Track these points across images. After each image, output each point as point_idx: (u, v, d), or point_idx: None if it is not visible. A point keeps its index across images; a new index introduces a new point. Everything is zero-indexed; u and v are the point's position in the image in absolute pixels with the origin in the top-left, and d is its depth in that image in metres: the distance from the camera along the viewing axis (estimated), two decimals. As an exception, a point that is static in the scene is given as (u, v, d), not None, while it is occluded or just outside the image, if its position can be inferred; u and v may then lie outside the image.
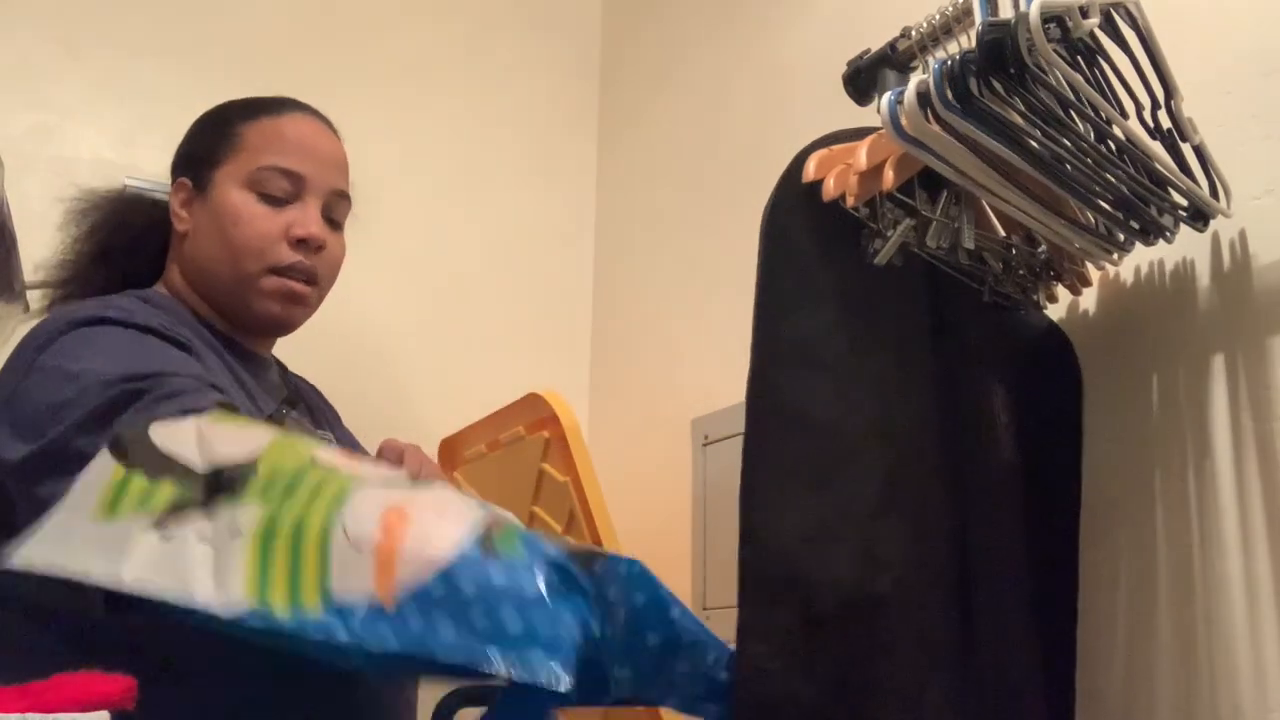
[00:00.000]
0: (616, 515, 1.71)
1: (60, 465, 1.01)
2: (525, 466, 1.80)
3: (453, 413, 1.84)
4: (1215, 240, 1.20)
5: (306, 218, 1.34)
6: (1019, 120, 1.00)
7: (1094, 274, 1.29)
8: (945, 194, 1.13)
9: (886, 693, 1.03)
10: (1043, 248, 1.24)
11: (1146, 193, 1.10)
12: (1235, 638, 1.12)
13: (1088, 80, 1.04)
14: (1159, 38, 1.08)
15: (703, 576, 1.93)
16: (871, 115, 1.16)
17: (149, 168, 1.53)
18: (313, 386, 1.58)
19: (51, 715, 0.67)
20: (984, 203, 1.18)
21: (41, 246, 1.46)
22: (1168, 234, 1.15)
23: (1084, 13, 0.99)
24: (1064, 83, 1.01)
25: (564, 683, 0.77)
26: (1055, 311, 1.32)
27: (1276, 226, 1.15)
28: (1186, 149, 1.12)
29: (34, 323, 1.26)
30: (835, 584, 1.04)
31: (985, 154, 1.02)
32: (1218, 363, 1.18)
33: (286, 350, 1.52)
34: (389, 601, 0.79)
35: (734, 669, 0.97)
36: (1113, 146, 1.07)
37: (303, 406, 1.44)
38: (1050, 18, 0.97)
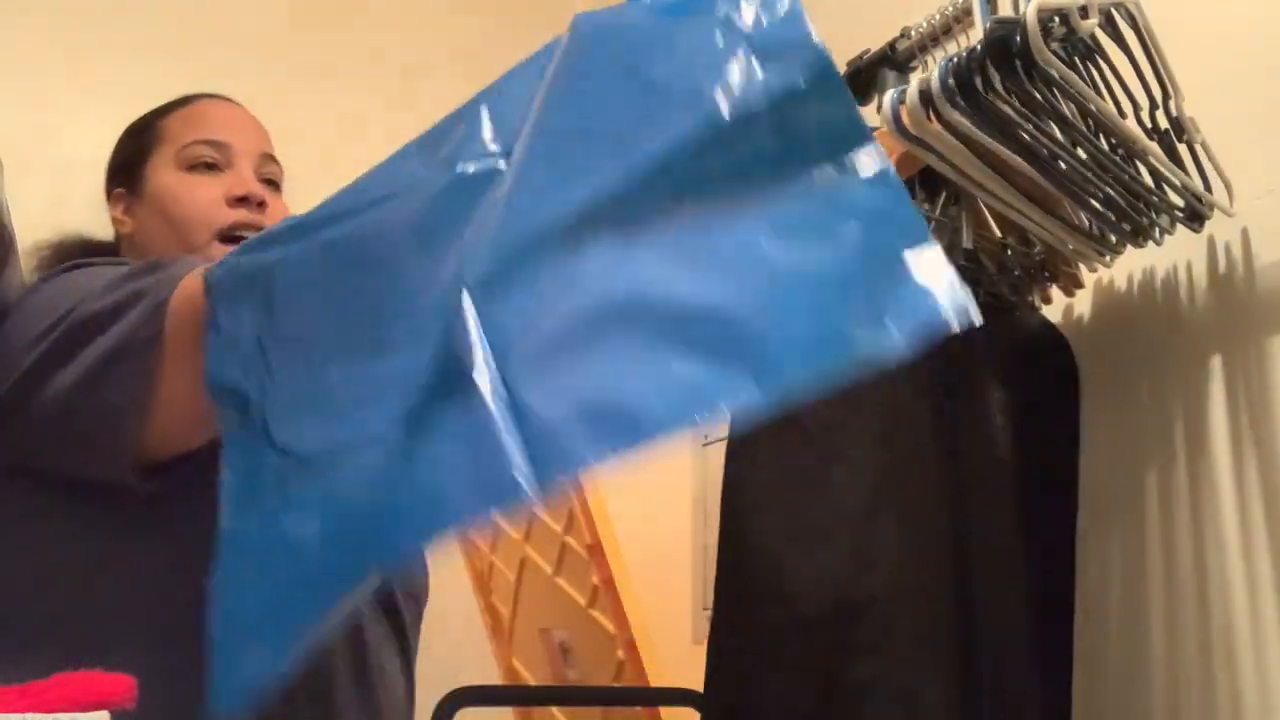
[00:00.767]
0: (616, 515, 1.71)
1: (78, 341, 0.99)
2: (525, 466, 1.80)
3: (452, 413, 1.84)
4: (1215, 241, 1.20)
5: (241, 178, 1.35)
6: (1022, 119, 1.00)
7: (1088, 276, 1.29)
8: (944, 194, 1.13)
9: (880, 693, 1.03)
10: (1038, 249, 1.24)
11: (1145, 192, 1.10)
12: (1235, 637, 1.12)
13: (1087, 80, 1.04)
14: (1159, 38, 1.08)
15: (703, 576, 1.93)
16: (871, 115, 1.16)
17: (149, 168, 1.53)
18: None
19: (51, 715, 0.67)
20: (980, 204, 1.18)
21: (41, 247, 1.46)
22: (1157, 236, 1.15)
23: (1084, 13, 0.99)
24: (1069, 80, 1.01)
25: None
26: (1055, 312, 1.32)
27: (1276, 226, 1.15)
28: (1183, 149, 1.12)
29: None
30: (821, 583, 1.04)
31: (984, 153, 1.02)
32: (1217, 363, 1.18)
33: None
34: None
35: (707, 666, 0.97)
36: (1113, 146, 1.07)
37: None
38: (1053, 16, 0.97)
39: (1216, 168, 1.14)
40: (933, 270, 0.61)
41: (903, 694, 1.05)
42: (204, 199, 1.33)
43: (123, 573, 1.04)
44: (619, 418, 0.60)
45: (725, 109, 0.66)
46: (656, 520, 2.05)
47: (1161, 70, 1.09)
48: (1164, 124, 1.10)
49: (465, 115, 0.83)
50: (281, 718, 1.12)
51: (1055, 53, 1.00)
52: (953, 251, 1.14)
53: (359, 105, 2.21)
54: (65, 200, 1.48)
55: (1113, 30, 1.06)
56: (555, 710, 1.88)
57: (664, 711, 1.67)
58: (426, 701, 1.34)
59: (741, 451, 1.13)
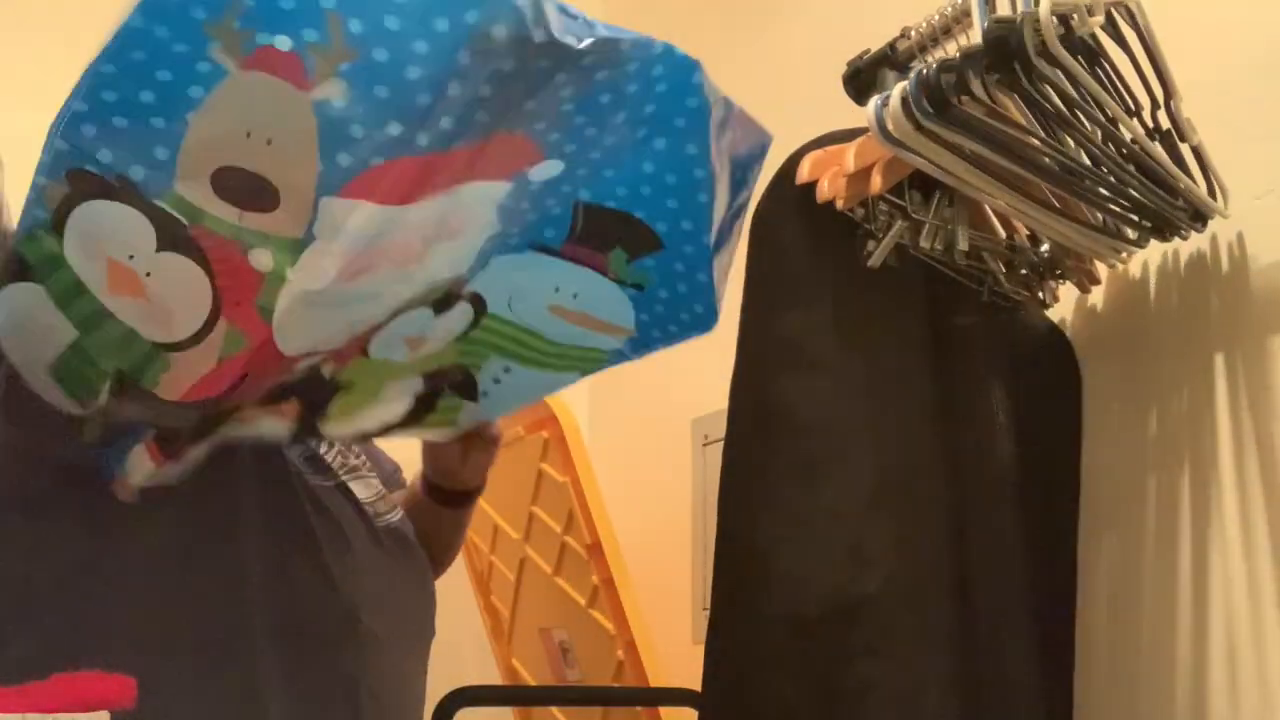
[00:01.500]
0: (616, 515, 1.71)
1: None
2: (524, 466, 1.80)
3: (452, 413, 1.83)
4: (1215, 240, 1.19)
5: None
6: (1007, 127, 1.00)
7: (1103, 272, 1.29)
8: (938, 196, 1.13)
9: (879, 694, 1.03)
10: (1045, 246, 1.24)
11: (1148, 192, 1.10)
12: (1235, 637, 1.12)
13: (1094, 79, 1.04)
14: (1159, 38, 1.08)
15: (703, 576, 1.92)
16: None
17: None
18: None
19: (51, 715, 0.67)
20: (984, 205, 1.18)
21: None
22: (1183, 231, 1.14)
23: (1088, 11, 0.99)
24: (1070, 80, 1.01)
25: None
26: (1054, 312, 1.32)
27: (1277, 226, 1.15)
28: (1185, 149, 1.12)
29: None
30: (819, 583, 1.04)
31: (970, 158, 1.02)
32: (1218, 362, 1.17)
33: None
34: None
35: (705, 667, 0.97)
36: (1114, 146, 1.07)
37: None
38: (1056, 15, 0.97)
39: (1211, 170, 1.14)
40: None
41: (901, 694, 1.05)
42: None
43: (98, 575, 1.03)
44: None
45: None
46: (656, 520, 2.05)
47: (1163, 70, 1.09)
48: (1165, 124, 1.10)
49: None
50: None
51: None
52: (949, 252, 1.14)
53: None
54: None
55: (1113, 30, 1.06)
56: (555, 710, 1.88)
57: (664, 711, 1.67)
58: (427, 701, 1.34)
59: (739, 450, 1.13)
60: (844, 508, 1.07)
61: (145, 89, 0.89)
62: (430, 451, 1.30)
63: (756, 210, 1.16)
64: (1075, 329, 1.32)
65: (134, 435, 1.02)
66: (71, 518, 1.04)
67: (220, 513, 1.10)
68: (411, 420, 1.16)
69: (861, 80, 1.20)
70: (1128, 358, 1.27)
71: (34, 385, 0.98)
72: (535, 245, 1.05)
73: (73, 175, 0.94)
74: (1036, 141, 1.02)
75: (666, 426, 2.08)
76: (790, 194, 1.13)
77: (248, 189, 0.92)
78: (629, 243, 1.05)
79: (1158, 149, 1.09)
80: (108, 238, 0.94)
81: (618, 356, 1.14)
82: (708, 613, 1.61)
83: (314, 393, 1.09)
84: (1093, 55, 1.05)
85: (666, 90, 0.95)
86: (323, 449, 1.22)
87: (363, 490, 1.23)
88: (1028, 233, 1.23)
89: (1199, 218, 1.15)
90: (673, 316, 1.09)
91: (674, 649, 1.75)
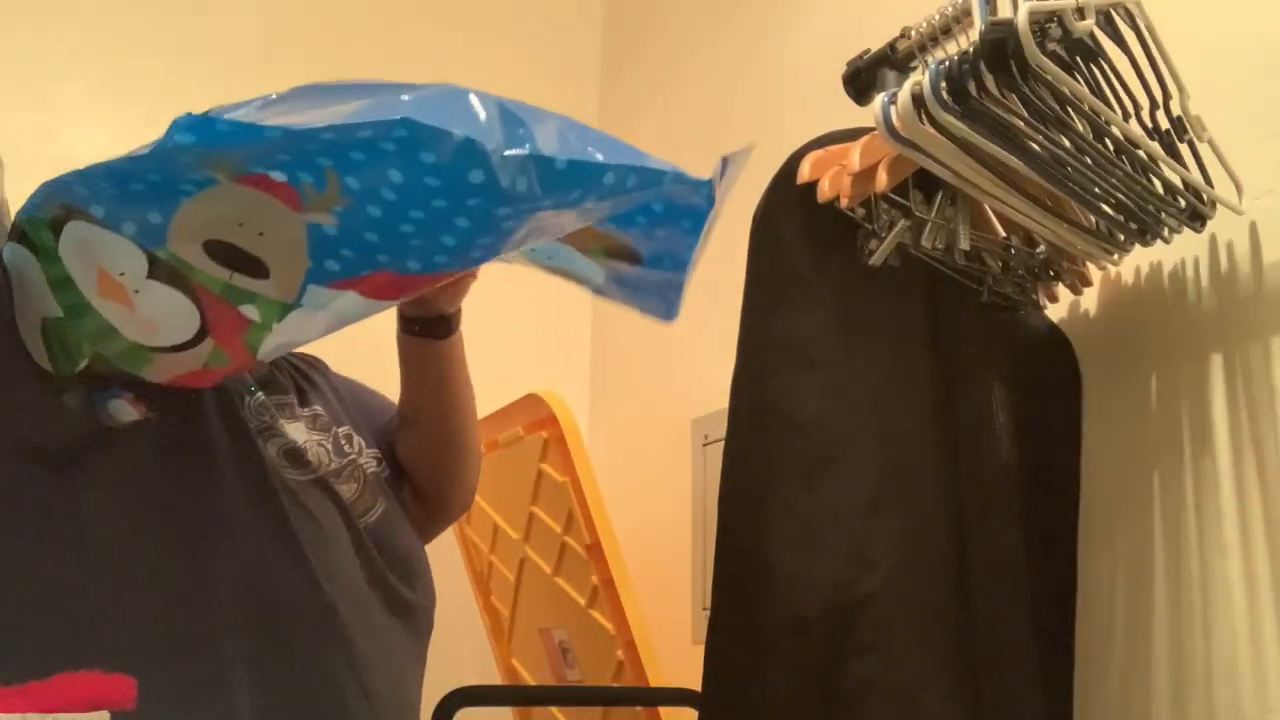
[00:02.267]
0: (616, 515, 1.71)
1: None
2: (524, 467, 1.80)
3: (452, 413, 1.83)
4: (1216, 240, 1.20)
5: None
6: (1018, 121, 1.00)
7: (1095, 274, 1.29)
8: (941, 195, 1.13)
9: (878, 694, 1.03)
10: (1041, 248, 1.24)
11: (1145, 193, 1.10)
12: (1235, 637, 1.12)
13: (1085, 82, 1.04)
14: (1161, 38, 1.08)
15: (703, 576, 1.92)
16: (871, 116, 1.16)
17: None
18: (301, 357, 1.51)
19: (51, 715, 0.68)
20: (984, 204, 1.18)
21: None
22: (1165, 234, 1.15)
23: (1080, 14, 0.99)
24: (1064, 82, 1.01)
25: None
26: (1055, 311, 1.32)
27: (1277, 226, 1.15)
28: (1185, 149, 1.12)
29: None
30: (819, 583, 1.04)
31: (979, 155, 1.02)
32: (1217, 362, 1.18)
33: (286, 350, 1.51)
34: None
35: (705, 667, 0.97)
36: (1111, 147, 1.07)
37: (288, 382, 1.37)
38: (1050, 17, 0.97)
39: (1225, 166, 1.14)
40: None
41: (901, 694, 1.05)
42: None
43: (89, 579, 1.02)
44: None
45: None
46: (656, 520, 2.05)
47: (1162, 70, 1.09)
48: (1164, 124, 1.10)
49: None
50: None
51: (1056, 54, 1.00)
52: (951, 251, 1.14)
53: (359, 105, 2.20)
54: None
55: (1112, 31, 1.06)
56: (555, 710, 1.89)
57: (664, 711, 1.67)
58: (427, 701, 1.34)
59: (740, 450, 1.13)
60: (844, 508, 1.07)
61: (136, 182, 0.93)
62: None
63: (757, 210, 1.16)
64: (1076, 329, 1.32)
65: (114, 391, 1.06)
66: (59, 518, 1.04)
67: (204, 513, 1.11)
68: None
69: (861, 80, 1.20)
70: (1128, 358, 1.27)
71: (23, 334, 1.02)
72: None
73: (68, 208, 0.98)
74: (1039, 140, 1.02)
75: (666, 426, 2.08)
76: (791, 194, 1.13)
77: (239, 259, 0.96)
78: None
79: (1156, 148, 1.09)
80: (101, 253, 0.97)
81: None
82: (708, 613, 1.62)
83: None
84: (1091, 56, 1.05)
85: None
86: (302, 443, 1.23)
87: (344, 489, 1.24)
88: (1024, 234, 1.23)
89: (1197, 217, 1.15)
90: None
91: (674, 649, 1.75)
